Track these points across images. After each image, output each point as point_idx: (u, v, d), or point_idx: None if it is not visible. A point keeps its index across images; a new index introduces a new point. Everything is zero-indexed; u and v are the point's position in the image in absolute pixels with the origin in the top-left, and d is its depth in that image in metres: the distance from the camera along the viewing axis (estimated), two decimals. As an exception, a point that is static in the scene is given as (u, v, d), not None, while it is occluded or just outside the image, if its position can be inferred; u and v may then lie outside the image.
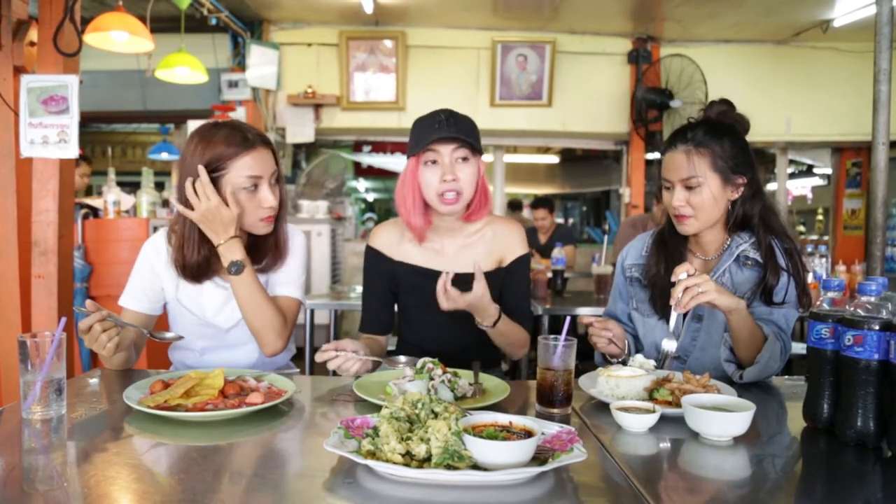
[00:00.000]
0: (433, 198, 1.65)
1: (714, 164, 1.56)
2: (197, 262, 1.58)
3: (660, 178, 1.66)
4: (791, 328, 1.58)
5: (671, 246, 1.70)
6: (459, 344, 1.77)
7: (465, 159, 1.65)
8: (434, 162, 1.64)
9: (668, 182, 1.62)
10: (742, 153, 1.59)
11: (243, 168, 1.54)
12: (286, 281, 1.71)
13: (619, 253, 1.86)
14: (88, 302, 1.39)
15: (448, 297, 1.49)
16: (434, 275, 1.75)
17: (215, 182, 1.54)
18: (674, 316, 1.45)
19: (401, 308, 1.84)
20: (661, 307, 1.66)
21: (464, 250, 1.76)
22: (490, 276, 1.66)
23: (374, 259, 1.80)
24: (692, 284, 1.36)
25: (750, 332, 1.44)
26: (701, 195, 1.57)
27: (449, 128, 1.61)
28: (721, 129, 1.60)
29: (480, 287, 1.51)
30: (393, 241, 1.79)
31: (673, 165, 1.60)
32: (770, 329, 1.49)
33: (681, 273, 1.40)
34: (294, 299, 1.70)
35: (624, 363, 1.64)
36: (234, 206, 1.53)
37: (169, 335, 1.57)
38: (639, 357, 1.46)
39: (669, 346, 1.47)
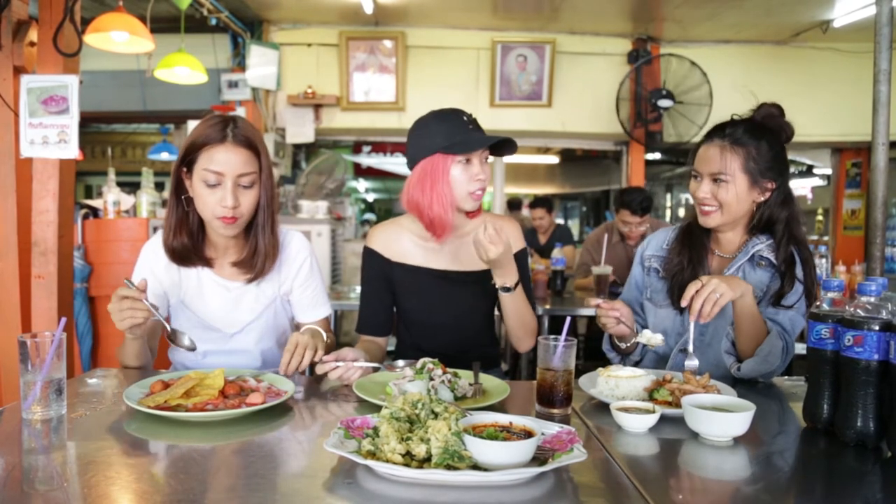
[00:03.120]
0: (464, 196, 1.68)
1: (745, 165, 1.57)
2: (179, 246, 1.60)
3: (691, 167, 1.68)
4: (796, 333, 1.58)
5: (696, 239, 1.72)
6: (459, 345, 1.77)
7: (488, 159, 1.71)
8: (469, 161, 1.67)
9: (697, 172, 1.64)
10: (776, 159, 1.59)
11: (207, 160, 1.51)
12: (313, 304, 1.76)
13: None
14: (141, 280, 1.41)
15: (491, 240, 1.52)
16: (432, 274, 1.75)
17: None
18: (691, 327, 1.46)
19: (400, 309, 1.84)
20: (678, 298, 1.67)
21: (462, 248, 1.76)
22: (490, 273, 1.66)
23: (372, 259, 1.80)
24: (708, 293, 1.37)
25: (753, 318, 1.46)
26: (727, 192, 1.58)
27: (480, 131, 1.68)
28: (761, 131, 1.60)
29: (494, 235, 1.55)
30: (390, 241, 1.79)
31: (705, 158, 1.62)
32: (774, 326, 1.50)
33: (692, 290, 1.41)
34: (326, 318, 1.79)
35: (629, 354, 1.68)
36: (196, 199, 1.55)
37: (186, 342, 1.51)
38: (646, 332, 1.47)
39: (692, 364, 1.46)
